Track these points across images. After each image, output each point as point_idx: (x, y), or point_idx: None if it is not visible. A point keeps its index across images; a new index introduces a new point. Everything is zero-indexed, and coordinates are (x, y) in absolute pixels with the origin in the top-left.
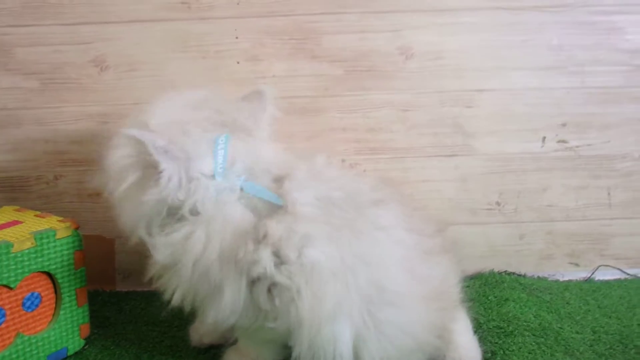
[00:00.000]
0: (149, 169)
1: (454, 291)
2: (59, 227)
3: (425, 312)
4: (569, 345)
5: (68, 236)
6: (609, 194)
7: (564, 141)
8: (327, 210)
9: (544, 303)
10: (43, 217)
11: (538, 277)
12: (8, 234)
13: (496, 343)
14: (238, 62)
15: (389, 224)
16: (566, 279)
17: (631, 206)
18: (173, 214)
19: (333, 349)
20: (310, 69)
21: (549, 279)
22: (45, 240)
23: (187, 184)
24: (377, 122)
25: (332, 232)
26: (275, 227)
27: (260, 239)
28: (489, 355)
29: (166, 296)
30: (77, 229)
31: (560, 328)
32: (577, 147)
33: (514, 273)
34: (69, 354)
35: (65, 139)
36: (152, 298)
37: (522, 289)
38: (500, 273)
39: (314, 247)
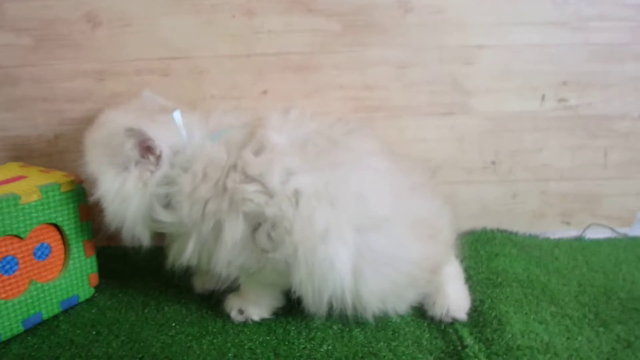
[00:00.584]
0: (143, 158)
1: (446, 230)
2: (63, 181)
3: (415, 239)
4: (555, 296)
5: (72, 189)
6: (605, 154)
7: (563, 100)
8: (303, 146)
9: (533, 258)
10: (47, 172)
11: (529, 235)
12: (15, 187)
13: (484, 292)
14: (234, 16)
15: (366, 149)
16: (557, 237)
17: (626, 166)
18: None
19: (332, 272)
20: (306, 23)
21: (540, 237)
22: (50, 193)
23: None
24: (375, 80)
25: (310, 162)
26: (254, 161)
27: (241, 170)
28: (477, 303)
29: (177, 258)
30: (81, 183)
31: (548, 281)
32: (577, 106)
33: (505, 231)
34: (80, 300)
35: (63, 97)
36: (156, 253)
37: (513, 245)
38: (492, 230)
39: (295, 175)
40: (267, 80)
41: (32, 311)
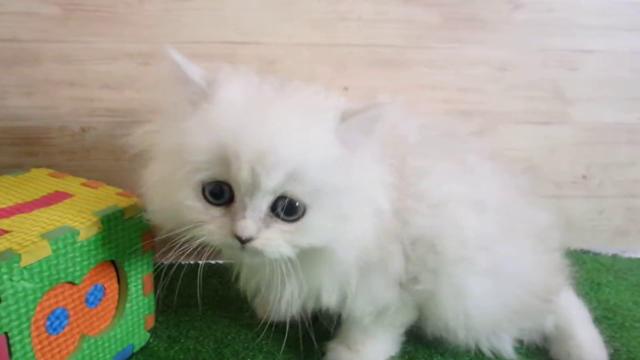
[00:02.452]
0: None
1: (558, 248)
2: (125, 205)
3: (532, 253)
4: None
5: (137, 216)
6: None
7: None
8: (433, 143)
9: (634, 287)
10: (94, 188)
11: (612, 255)
12: (64, 214)
13: (613, 337)
14: None
15: (493, 154)
16: (638, 255)
17: None
18: None
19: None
20: (401, 12)
21: (622, 257)
22: (112, 223)
23: None
24: (470, 81)
25: (447, 166)
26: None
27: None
28: (612, 351)
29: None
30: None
31: None
32: None
33: (589, 251)
34: (134, 350)
35: (96, 83)
36: (206, 270)
37: (606, 270)
38: (576, 251)
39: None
40: (349, 74)
41: None
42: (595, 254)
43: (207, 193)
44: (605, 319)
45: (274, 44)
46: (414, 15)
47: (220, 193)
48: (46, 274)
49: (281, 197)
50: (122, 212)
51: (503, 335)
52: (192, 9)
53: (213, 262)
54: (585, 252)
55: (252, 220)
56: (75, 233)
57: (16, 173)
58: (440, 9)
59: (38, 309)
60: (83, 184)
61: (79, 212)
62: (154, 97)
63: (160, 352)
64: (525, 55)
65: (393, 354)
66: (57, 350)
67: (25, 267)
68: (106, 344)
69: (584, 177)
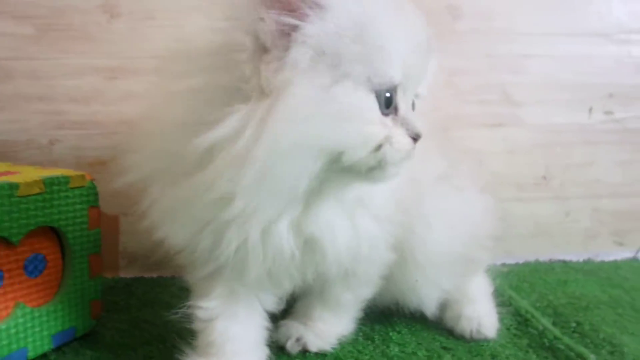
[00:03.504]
0: None
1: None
2: (72, 174)
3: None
4: None
5: (83, 187)
6: None
7: (610, 112)
8: None
9: (603, 280)
10: (46, 168)
11: (585, 260)
12: (11, 178)
13: (577, 315)
14: None
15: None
16: (611, 258)
17: None
18: None
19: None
20: None
21: (595, 261)
22: (56, 188)
23: None
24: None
25: None
26: None
27: None
28: (574, 325)
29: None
30: (92, 180)
31: (633, 299)
32: (624, 119)
33: (560, 260)
34: (77, 335)
35: (64, 97)
36: (166, 284)
37: (575, 272)
38: (546, 262)
39: None
40: None
41: (14, 346)
42: (566, 262)
43: (382, 105)
44: (570, 304)
45: None
46: None
47: (390, 101)
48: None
49: None
50: (67, 179)
51: (432, 292)
52: (154, 26)
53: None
54: (556, 261)
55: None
56: (14, 186)
57: None
58: None
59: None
60: (37, 168)
61: (25, 177)
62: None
63: (105, 338)
64: (472, 62)
65: (346, 333)
66: (35, 292)
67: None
68: (44, 319)
69: (544, 177)
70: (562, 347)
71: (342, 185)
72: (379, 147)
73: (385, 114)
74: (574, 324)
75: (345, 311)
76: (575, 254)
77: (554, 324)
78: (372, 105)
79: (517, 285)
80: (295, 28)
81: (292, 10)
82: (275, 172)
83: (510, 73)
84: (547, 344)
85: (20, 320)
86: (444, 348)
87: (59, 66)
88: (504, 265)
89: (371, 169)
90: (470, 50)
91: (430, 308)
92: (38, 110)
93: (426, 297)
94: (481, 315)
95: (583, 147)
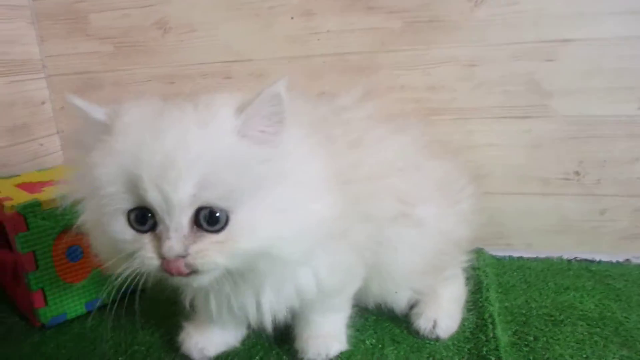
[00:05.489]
0: None
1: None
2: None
3: (441, 205)
4: (631, 337)
5: None
6: None
7: None
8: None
9: (613, 291)
10: None
11: (615, 262)
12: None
13: (542, 330)
14: (292, 18)
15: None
16: None
17: None
18: None
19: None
20: (365, 22)
21: (628, 264)
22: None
23: None
24: (439, 80)
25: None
26: None
27: None
28: (531, 339)
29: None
30: None
31: (626, 318)
32: None
33: (585, 260)
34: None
35: None
36: None
37: (591, 276)
38: (569, 260)
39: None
40: (325, 81)
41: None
42: (592, 262)
43: (132, 221)
44: (547, 316)
45: (260, 60)
46: (377, 23)
47: (143, 219)
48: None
49: (201, 209)
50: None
51: (403, 295)
52: (197, 37)
53: None
54: (580, 260)
55: (176, 239)
56: None
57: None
58: (401, 14)
59: (57, 241)
60: None
61: None
62: None
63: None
64: (494, 50)
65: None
66: (74, 272)
67: (44, 210)
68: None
69: (577, 173)
70: (492, 359)
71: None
72: (131, 257)
73: (141, 231)
74: (531, 338)
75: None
76: (606, 255)
77: (515, 333)
78: (123, 221)
79: (513, 285)
80: None
81: None
82: None
83: (540, 61)
84: (483, 353)
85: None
86: (393, 340)
87: (133, 75)
88: (518, 259)
89: None
90: (492, 38)
91: (400, 307)
92: None
93: (398, 299)
94: (440, 317)
95: (626, 141)
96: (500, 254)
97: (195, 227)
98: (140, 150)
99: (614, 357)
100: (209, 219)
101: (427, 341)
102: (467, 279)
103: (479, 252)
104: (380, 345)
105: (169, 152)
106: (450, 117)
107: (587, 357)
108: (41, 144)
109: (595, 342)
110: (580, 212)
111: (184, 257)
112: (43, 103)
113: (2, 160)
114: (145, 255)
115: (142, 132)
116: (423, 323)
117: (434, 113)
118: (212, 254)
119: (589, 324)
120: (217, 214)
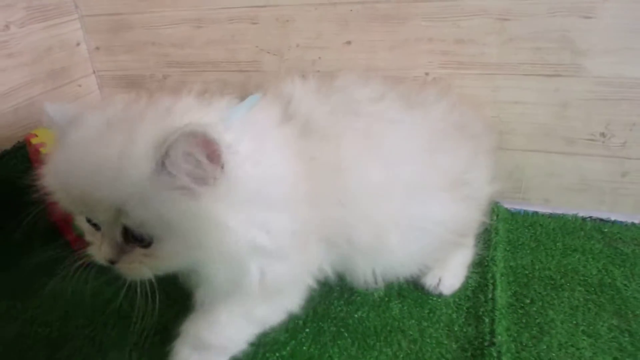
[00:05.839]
0: None
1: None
2: None
3: (449, 200)
4: (625, 306)
5: None
6: None
7: None
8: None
9: (620, 256)
10: None
11: (631, 223)
12: None
13: (539, 293)
14: None
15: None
16: None
17: None
18: None
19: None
20: None
21: None
22: None
23: None
24: (468, 33)
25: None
26: None
27: None
28: (528, 302)
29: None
30: None
31: (625, 286)
32: None
33: (600, 219)
34: None
35: (167, 42)
36: None
37: (601, 238)
38: (583, 219)
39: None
40: (352, 30)
41: None
42: (606, 222)
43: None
44: (548, 279)
45: (288, 6)
46: None
47: (90, 221)
48: None
49: (126, 228)
50: None
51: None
52: None
53: None
54: (595, 220)
55: (110, 246)
56: None
57: None
58: None
59: None
60: None
61: None
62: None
63: None
64: (527, 4)
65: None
66: None
67: None
68: None
69: (603, 134)
70: (487, 320)
71: None
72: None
73: (96, 229)
74: (528, 301)
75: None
76: (622, 215)
77: (514, 294)
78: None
79: (522, 243)
80: None
81: None
82: None
83: (577, 17)
84: (480, 313)
85: None
86: (399, 294)
87: (162, 18)
88: (534, 214)
89: None
90: None
91: (411, 275)
92: (153, 53)
93: (409, 274)
94: (445, 275)
95: None
96: (516, 207)
97: (128, 238)
98: (69, 172)
99: (602, 325)
100: (133, 236)
101: (431, 297)
102: (477, 235)
103: (494, 206)
104: (387, 299)
105: (89, 182)
106: (478, 72)
107: (576, 324)
108: (79, 85)
109: (589, 309)
110: (602, 173)
111: (114, 262)
112: (78, 44)
113: None
114: (95, 250)
115: (76, 153)
116: (429, 279)
117: (461, 67)
118: (137, 266)
119: (587, 290)
120: (141, 234)
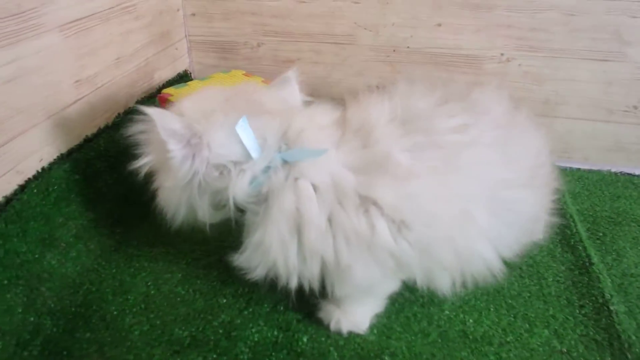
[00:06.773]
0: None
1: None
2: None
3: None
4: None
5: None
6: None
7: None
8: (420, 154)
9: None
10: (265, 82)
11: None
12: None
13: (607, 228)
14: None
15: (473, 138)
16: None
17: None
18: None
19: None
20: None
21: None
22: None
23: (214, 172)
24: (541, 23)
25: (435, 180)
26: (384, 194)
27: (368, 207)
28: (601, 234)
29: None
30: None
31: None
32: None
33: (629, 174)
34: None
35: (268, 13)
36: None
37: (634, 188)
38: (616, 173)
39: (427, 208)
40: (443, 14)
41: None
42: (634, 176)
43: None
44: (609, 218)
45: None
46: None
47: None
48: None
49: None
50: None
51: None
52: None
53: None
54: (625, 174)
55: None
56: None
57: (225, 71)
58: None
59: None
60: (262, 81)
61: None
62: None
63: None
64: (590, 4)
65: (378, 310)
66: None
67: None
68: None
69: (635, 107)
70: (580, 248)
71: None
72: None
73: None
74: (600, 234)
75: (370, 299)
76: None
77: (587, 230)
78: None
79: (578, 192)
80: None
81: None
82: None
83: (626, 17)
84: (572, 242)
85: None
86: None
87: None
88: (577, 170)
89: None
90: None
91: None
92: (251, 22)
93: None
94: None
95: None
96: (562, 164)
97: None
98: None
99: None
100: None
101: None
102: None
103: None
104: None
105: None
106: (544, 55)
107: None
108: (176, 48)
109: None
110: (633, 136)
111: None
112: (178, 10)
113: (156, 64)
114: None
115: None
116: None
117: (531, 50)
118: None
119: (638, 225)
120: None
